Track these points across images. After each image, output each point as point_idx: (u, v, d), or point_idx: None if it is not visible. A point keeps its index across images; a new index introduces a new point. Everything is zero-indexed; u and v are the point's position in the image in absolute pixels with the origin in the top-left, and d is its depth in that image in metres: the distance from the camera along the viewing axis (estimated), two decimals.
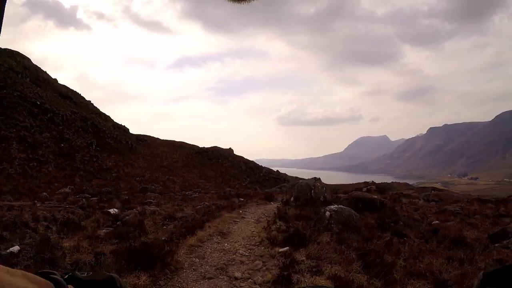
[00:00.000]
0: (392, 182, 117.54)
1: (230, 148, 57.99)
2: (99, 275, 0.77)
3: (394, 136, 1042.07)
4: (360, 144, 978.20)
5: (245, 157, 55.97)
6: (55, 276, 0.71)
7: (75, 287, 0.72)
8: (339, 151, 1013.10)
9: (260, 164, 56.22)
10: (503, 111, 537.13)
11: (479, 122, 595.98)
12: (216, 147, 55.90)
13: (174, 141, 59.81)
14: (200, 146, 55.92)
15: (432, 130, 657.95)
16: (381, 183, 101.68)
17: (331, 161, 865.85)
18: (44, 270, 0.71)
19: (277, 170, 67.22)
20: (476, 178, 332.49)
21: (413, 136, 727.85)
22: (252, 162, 53.52)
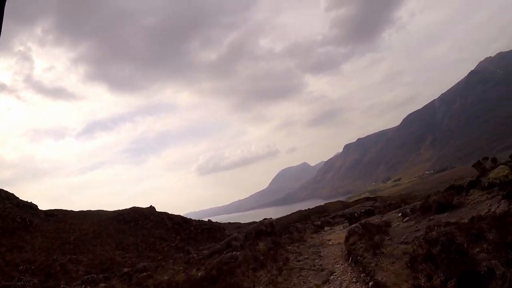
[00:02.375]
0: (325, 203, 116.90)
1: (151, 206, 50.10)
2: None
3: (314, 161, 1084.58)
4: (282, 176, 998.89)
5: (175, 213, 48.84)
6: None
7: None
8: (264, 188, 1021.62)
9: (190, 218, 49.15)
10: (408, 113, 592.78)
11: (389, 128, 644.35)
12: (134, 207, 47.77)
13: (86, 210, 50.13)
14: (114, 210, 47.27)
15: (347, 147, 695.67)
16: (317, 206, 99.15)
17: (258, 199, 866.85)
18: None
19: (209, 220, 60.52)
20: (399, 179, 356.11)
21: (331, 156, 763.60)
22: (179, 216, 46.13)
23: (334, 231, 22.21)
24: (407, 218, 15.24)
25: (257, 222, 25.66)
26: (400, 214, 18.18)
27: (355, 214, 29.10)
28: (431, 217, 12.73)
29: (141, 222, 41.14)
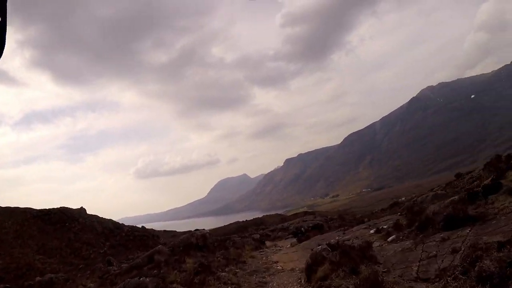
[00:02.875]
0: (263, 216, 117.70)
1: (81, 208, 47.19)
2: None
3: (254, 173, 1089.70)
4: (222, 186, 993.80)
5: (109, 217, 46.19)
6: None
7: None
8: (202, 197, 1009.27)
9: (122, 223, 46.92)
10: (349, 133, 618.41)
11: (330, 146, 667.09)
12: (63, 207, 44.69)
13: (13, 207, 45.80)
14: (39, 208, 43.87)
15: (288, 161, 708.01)
16: (255, 218, 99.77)
17: (196, 208, 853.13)
18: None
19: (143, 226, 58.43)
20: (337, 195, 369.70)
21: (272, 170, 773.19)
22: (110, 220, 43.85)
23: (280, 249, 18.94)
24: (393, 237, 11.73)
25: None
26: (373, 231, 14.70)
27: (302, 228, 26.53)
28: (445, 236, 8.99)
29: (69, 224, 38.57)
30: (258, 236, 28.64)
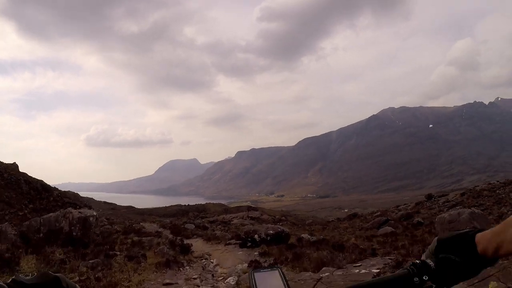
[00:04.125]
0: (206, 203, 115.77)
1: (14, 163, 42.56)
2: (44, 276, 0.74)
3: (204, 159, 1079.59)
4: (170, 167, 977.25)
5: (54, 181, 42.01)
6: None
7: None
8: (149, 174, 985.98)
9: (55, 187, 42.86)
10: (305, 137, 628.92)
11: (284, 146, 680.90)
12: None
13: None
14: None
15: (240, 154, 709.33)
16: (198, 204, 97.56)
17: (142, 184, 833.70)
18: None
19: (77, 194, 54.35)
20: (282, 195, 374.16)
21: (223, 159, 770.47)
22: (40, 182, 39.83)
23: (214, 273, 10.02)
24: None
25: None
26: None
27: (256, 235, 13.07)
28: None
29: None
30: (192, 227, 24.14)
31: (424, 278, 0.85)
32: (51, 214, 12.86)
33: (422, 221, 21.65)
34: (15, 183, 35.39)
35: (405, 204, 41.82)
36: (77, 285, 0.78)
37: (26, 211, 30.86)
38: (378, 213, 31.69)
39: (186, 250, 12.65)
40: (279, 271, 0.88)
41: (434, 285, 0.86)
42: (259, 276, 0.85)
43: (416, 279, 0.84)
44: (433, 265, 0.85)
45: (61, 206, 36.80)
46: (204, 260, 12.08)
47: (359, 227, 23.23)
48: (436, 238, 0.89)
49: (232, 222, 30.19)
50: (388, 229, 19.02)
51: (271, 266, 0.89)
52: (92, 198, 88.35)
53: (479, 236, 0.85)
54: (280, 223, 29.04)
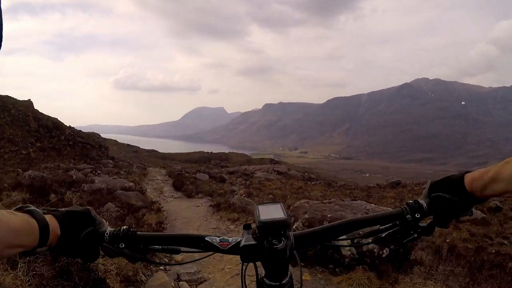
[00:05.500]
0: (229, 152, 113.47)
1: (28, 100, 40.01)
2: (75, 207, 0.81)
3: (231, 109, 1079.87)
4: (197, 114, 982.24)
5: (79, 124, 39.49)
6: (30, 208, 0.72)
7: (54, 217, 0.75)
8: (175, 120, 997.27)
9: (69, 125, 40.32)
10: (333, 97, 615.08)
11: (312, 103, 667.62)
12: (5, 95, 37.60)
13: None
14: None
15: (267, 106, 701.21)
16: (221, 152, 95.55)
17: (168, 129, 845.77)
18: (18, 206, 0.73)
19: (96, 134, 52.21)
20: (306, 152, 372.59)
21: (249, 110, 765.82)
22: (52, 119, 37.05)
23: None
24: None
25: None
26: None
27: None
28: None
29: None
30: (206, 177, 19.26)
31: (416, 215, 0.90)
32: None
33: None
34: (22, 120, 32.71)
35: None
36: (103, 219, 0.85)
37: (31, 150, 28.34)
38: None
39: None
40: (281, 205, 0.94)
41: (425, 224, 0.91)
42: (263, 209, 0.92)
43: (408, 216, 0.89)
44: (425, 204, 0.91)
45: (72, 145, 34.29)
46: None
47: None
48: (429, 181, 0.94)
49: (255, 175, 26.41)
50: None
51: (274, 201, 0.97)
52: (116, 140, 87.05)
53: (468, 176, 0.90)
54: (312, 182, 25.22)
